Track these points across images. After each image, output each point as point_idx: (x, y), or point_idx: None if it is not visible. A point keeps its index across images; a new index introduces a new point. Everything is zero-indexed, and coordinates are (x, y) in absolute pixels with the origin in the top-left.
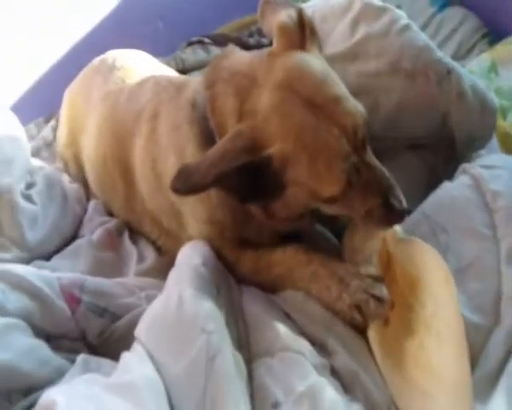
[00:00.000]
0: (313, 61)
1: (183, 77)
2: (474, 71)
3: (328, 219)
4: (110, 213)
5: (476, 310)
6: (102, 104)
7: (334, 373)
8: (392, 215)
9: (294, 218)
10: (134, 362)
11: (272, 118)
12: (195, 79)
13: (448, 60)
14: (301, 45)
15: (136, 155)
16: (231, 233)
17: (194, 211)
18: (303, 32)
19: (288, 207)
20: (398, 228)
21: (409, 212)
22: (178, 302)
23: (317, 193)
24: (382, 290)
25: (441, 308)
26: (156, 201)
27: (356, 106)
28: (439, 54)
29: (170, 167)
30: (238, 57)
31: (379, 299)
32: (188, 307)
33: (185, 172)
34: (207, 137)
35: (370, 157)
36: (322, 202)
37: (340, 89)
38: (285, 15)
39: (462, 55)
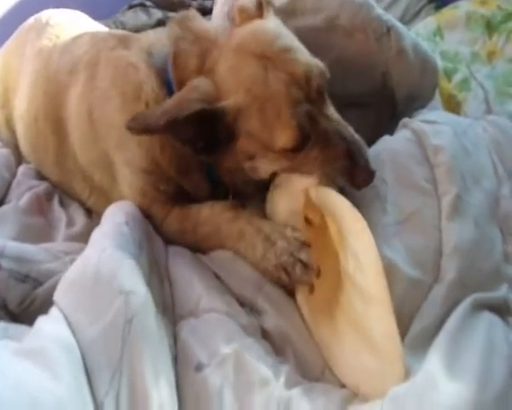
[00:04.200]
0: (267, 23)
1: (122, 31)
2: (419, 34)
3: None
4: (42, 178)
5: (415, 265)
6: (35, 60)
7: (265, 335)
8: (358, 173)
9: (241, 178)
10: (47, 326)
11: (226, 75)
12: (150, 33)
13: (388, 17)
14: (259, 18)
15: (71, 106)
16: (166, 185)
17: (132, 158)
18: (260, 8)
19: (238, 162)
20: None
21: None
22: (96, 263)
23: (270, 144)
24: (309, 257)
25: (361, 264)
26: (89, 153)
27: (310, 58)
28: (379, 11)
29: (111, 111)
30: (203, 23)
31: (305, 265)
32: (105, 267)
33: (141, 115)
34: (163, 83)
35: (331, 111)
36: (279, 155)
37: (293, 42)
38: (245, 0)
39: (408, 19)
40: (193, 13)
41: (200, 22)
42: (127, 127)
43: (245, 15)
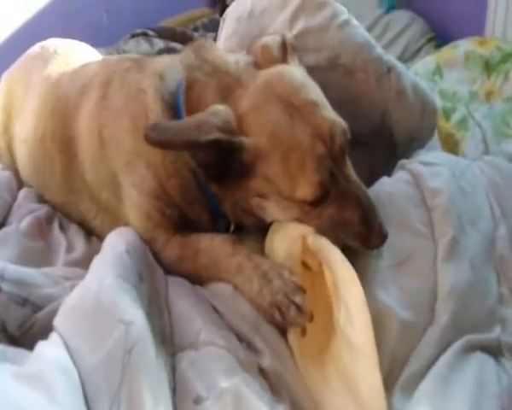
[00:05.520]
0: (294, 70)
1: (135, 55)
2: (419, 73)
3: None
4: (43, 201)
5: (410, 308)
6: (42, 85)
7: (262, 372)
8: (372, 238)
9: (243, 207)
10: (47, 351)
11: (250, 113)
12: (166, 57)
13: (388, 57)
14: (283, 60)
15: (82, 124)
16: (171, 210)
17: (140, 180)
18: (284, 50)
19: (247, 196)
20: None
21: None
22: (97, 291)
23: (288, 193)
24: (303, 300)
25: (351, 315)
26: (98, 171)
27: (335, 115)
28: (379, 51)
29: (121, 133)
30: (221, 55)
31: (299, 308)
32: (106, 296)
33: (161, 126)
34: (170, 109)
35: (350, 171)
36: (294, 205)
37: (319, 97)
38: (269, 38)
39: (408, 57)
40: (210, 42)
41: (217, 54)
42: (144, 136)
43: (268, 54)
